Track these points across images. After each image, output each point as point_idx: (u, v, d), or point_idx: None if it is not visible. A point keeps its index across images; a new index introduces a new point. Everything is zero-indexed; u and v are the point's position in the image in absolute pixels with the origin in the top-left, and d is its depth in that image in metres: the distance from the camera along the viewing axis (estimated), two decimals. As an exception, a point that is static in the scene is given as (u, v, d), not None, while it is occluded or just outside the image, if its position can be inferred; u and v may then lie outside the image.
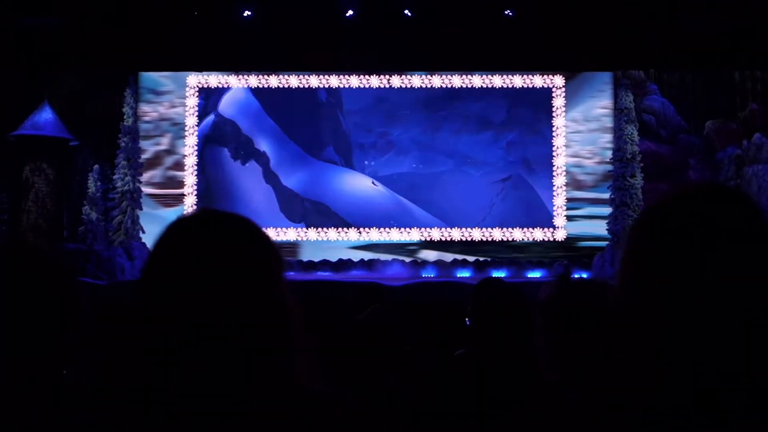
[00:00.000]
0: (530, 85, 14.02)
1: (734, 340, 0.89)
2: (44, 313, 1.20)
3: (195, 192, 13.90)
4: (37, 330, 1.19)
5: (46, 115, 13.14)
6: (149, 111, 14.10)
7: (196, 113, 14.04)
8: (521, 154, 14.02)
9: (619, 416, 0.94)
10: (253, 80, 13.98)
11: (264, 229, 1.15)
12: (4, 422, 1.13)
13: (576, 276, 12.10)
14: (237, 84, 14.01)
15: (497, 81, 13.96)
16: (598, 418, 0.97)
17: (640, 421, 0.92)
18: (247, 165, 14.03)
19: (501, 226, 13.86)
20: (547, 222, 13.86)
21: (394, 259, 13.82)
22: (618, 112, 13.78)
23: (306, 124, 14.03)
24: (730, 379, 0.89)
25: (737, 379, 0.89)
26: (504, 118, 14.08)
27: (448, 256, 13.86)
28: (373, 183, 13.96)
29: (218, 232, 1.07)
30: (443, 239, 13.83)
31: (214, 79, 14.00)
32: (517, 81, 13.99)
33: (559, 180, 13.92)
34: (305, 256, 13.74)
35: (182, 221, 1.10)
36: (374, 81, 13.97)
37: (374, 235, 13.81)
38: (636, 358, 0.93)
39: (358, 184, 14.00)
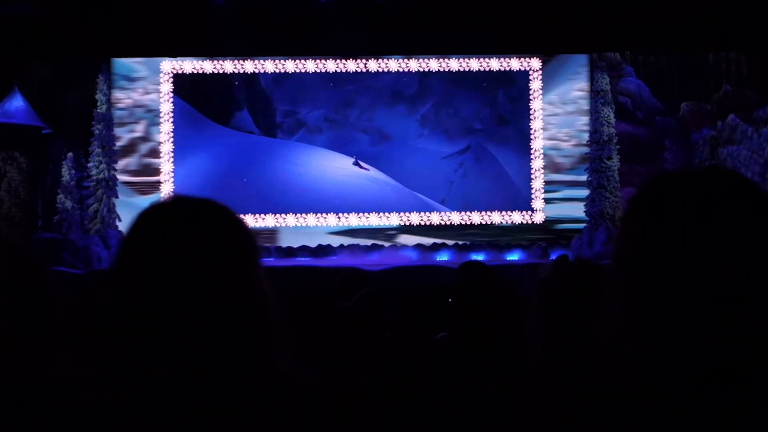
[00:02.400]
0: (507, 68, 14.02)
1: (732, 322, 0.88)
2: (17, 307, 1.17)
3: (172, 179, 13.77)
4: (11, 325, 1.16)
5: (17, 102, 12.92)
6: (123, 98, 13.91)
7: (171, 99, 13.87)
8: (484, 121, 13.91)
9: (607, 398, 0.93)
10: (228, 65, 13.84)
11: (241, 215, 1.13)
12: None
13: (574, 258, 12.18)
14: (212, 69, 13.86)
15: (474, 64, 13.95)
16: (586, 400, 0.96)
17: (628, 403, 0.92)
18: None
19: (468, 207, 13.75)
20: (517, 198, 13.80)
21: (373, 244, 13.83)
22: (594, 94, 13.85)
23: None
24: (726, 364, 0.88)
25: (733, 364, 0.88)
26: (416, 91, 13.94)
27: (428, 240, 13.90)
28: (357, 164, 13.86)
29: (192, 218, 1.05)
30: (422, 224, 13.85)
31: (188, 65, 13.83)
32: (494, 64, 13.98)
33: (537, 163, 13.98)
34: (284, 242, 13.70)
35: (155, 208, 1.08)
36: (351, 65, 13.89)
37: (353, 220, 13.80)
38: (628, 338, 0.92)
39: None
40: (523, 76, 13.97)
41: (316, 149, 13.93)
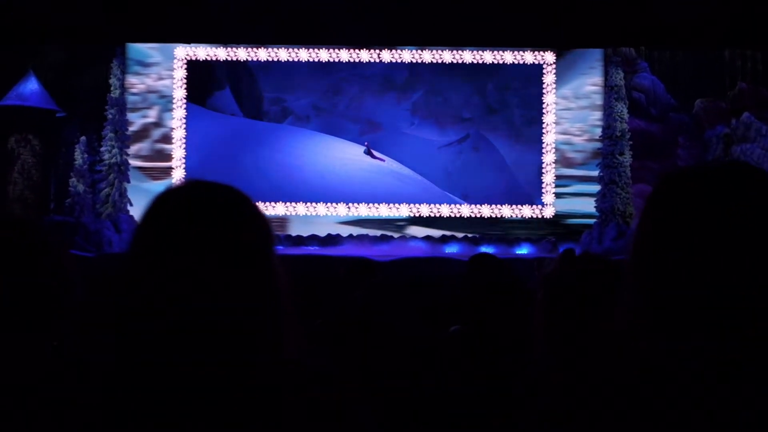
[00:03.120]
0: (521, 62, 13.94)
1: (752, 320, 0.86)
2: (37, 286, 1.18)
3: (183, 165, 13.80)
4: (30, 303, 1.17)
5: (31, 85, 12.98)
6: (136, 83, 13.94)
7: (184, 86, 13.88)
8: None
9: (614, 394, 0.93)
10: (242, 53, 13.84)
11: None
12: None
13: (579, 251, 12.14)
14: (225, 56, 13.86)
15: (488, 57, 13.88)
16: (589, 398, 0.96)
17: (636, 400, 0.91)
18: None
19: (469, 199, 13.70)
20: (516, 188, 13.73)
21: (382, 235, 13.83)
22: (608, 89, 13.76)
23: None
24: (744, 364, 0.87)
25: (751, 364, 0.87)
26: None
27: (437, 233, 13.88)
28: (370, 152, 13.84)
29: (207, 202, 1.05)
30: (432, 215, 13.83)
31: (202, 51, 13.84)
32: (508, 57, 13.91)
33: (549, 157, 13.92)
34: (293, 230, 13.71)
35: (170, 192, 1.08)
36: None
37: (363, 210, 13.79)
38: (641, 334, 0.91)
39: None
40: (513, 67, 13.84)
41: (323, 136, 13.89)
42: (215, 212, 1.04)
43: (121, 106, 13.60)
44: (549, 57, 13.94)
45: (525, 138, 13.87)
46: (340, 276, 2.93)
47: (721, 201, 0.91)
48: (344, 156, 13.86)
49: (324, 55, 13.79)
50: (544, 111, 13.91)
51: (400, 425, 2.29)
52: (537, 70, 13.83)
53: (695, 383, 0.88)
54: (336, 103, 13.87)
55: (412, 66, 13.82)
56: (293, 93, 13.90)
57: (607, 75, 13.83)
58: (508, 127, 13.88)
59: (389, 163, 13.80)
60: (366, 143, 13.82)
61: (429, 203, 13.71)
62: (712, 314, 0.87)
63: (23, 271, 1.18)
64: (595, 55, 14.00)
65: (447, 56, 13.83)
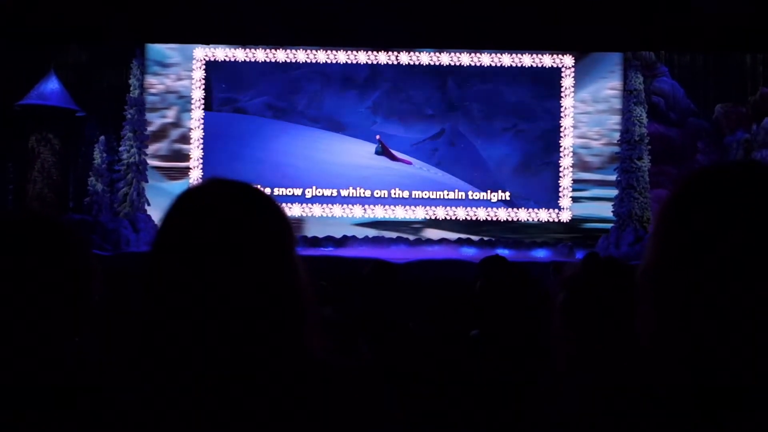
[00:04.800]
0: (539, 65, 13.90)
1: None
2: (61, 283, 1.19)
3: (201, 165, 13.88)
4: (54, 300, 1.18)
5: (52, 85, 13.11)
6: (155, 83, 14.05)
7: (202, 86, 13.97)
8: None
9: (634, 401, 0.91)
10: (260, 54, 13.90)
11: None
12: (18, 386, 1.13)
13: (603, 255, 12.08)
14: (244, 57, 13.93)
15: (506, 60, 13.85)
16: (607, 402, 0.95)
17: (656, 408, 0.89)
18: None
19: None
20: (492, 181, 13.72)
21: (398, 237, 13.83)
22: (627, 93, 13.68)
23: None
24: (761, 378, 0.83)
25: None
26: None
27: (452, 235, 13.86)
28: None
29: (229, 200, 1.06)
30: (447, 218, 13.82)
31: (221, 52, 13.92)
32: (526, 60, 13.87)
33: (566, 161, 13.86)
34: (309, 232, 13.75)
35: (192, 191, 1.08)
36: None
37: (379, 212, 13.80)
38: (662, 342, 0.89)
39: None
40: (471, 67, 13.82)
41: (338, 136, 13.92)
42: (238, 210, 1.04)
43: (140, 106, 13.70)
44: (568, 60, 13.88)
45: (486, 133, 13.84)
46: (362, 276, 2.92)
47: (748, 200, 0.87)
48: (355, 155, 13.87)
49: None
50: (561, 115, 13.86)
51: (419, 426, 2.29)
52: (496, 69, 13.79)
53: (724, 396, 0.86)
54: (294, 102, 13.88)
55: (373, 66, 13.81)
56: (246, 92, 13.90)
57: (626, 79, 13.75)
58: (469, 122, 13.86)
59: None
60: (378, 137, 13.83)
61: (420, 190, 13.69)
62: (742, 320, 0.84)
63: (47, 268, 1.19)
64: (614, 59, 13.92)
65: (424, 58, 13.81)
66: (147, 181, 13.68)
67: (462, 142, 13.86)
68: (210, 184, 1.09)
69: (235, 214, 1.04)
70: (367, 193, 13.76)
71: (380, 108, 13.89)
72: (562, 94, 13.87)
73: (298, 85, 13.87)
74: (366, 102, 13.87)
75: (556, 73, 13.87)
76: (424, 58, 13.80)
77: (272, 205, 1.08)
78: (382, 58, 13.80)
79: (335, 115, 13.88)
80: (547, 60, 13.86)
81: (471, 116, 13.88)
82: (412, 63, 13.80)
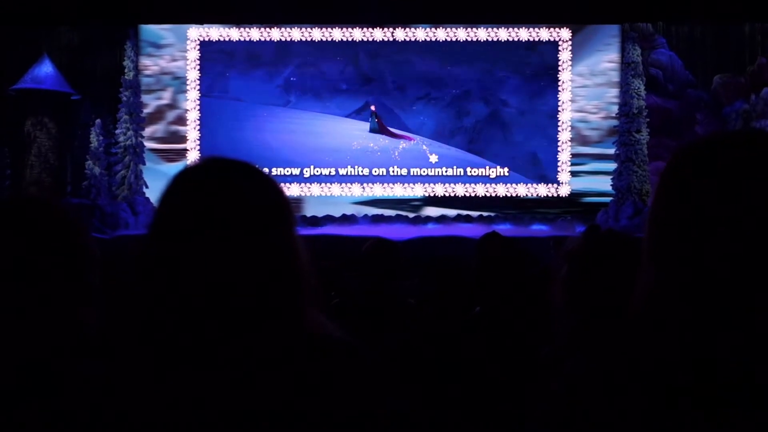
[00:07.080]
0: (536, 38, 13.80)
1: None
2: (60, 265, 1.19)
3: (198, 147, 13.83)
4: (54, 283, 1.18)
5: (46, 68, 13.01)
6: (150, 65, 13.95)
7: (197, 67, 13.87)
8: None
9: (633, 377, 0.90)
10: (255, 33, 13.79)
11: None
12: (22, 369, 1.13)
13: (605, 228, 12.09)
14: (238, 37, 13.82)
15: (503, 34, 13.75)
16: (611, 377, 0.94)
17: (653, 384, 0.88)
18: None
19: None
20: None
21: (397, 215, 13.83)
22: (625, 66, 13.60)
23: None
24: (761, 358, 0.82)
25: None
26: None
27: (452, 212, 13.86)
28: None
29: (227, 177, 1.05)
30: (446, 195, 13.80)
31: (215, 32, 13.80)
32: (523, 34, 13.77)
33: (564, 135, 13.81)
34: (308, 211, 13.74)
35: (189, 170, 1.08)
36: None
37: (378, 190, 13.78)
38: (660, 315, 0.87)
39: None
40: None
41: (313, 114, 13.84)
42: (235, 188, 1.04)
43: (135, 88, 13.62)
44: (565, 33, 13.78)
45: (399, 102, 13.76)
46: (361, 254, 2.91)
47: (746, 168, 0.85)
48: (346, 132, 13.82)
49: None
50: (559, 89, 13.78)
51: (420, 403, 2.29)
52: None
53: (720, 367, 0.84)
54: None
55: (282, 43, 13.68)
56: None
57: (623, 51, 13.66)
58: (384, 93, 13.78)
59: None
60: (372, 107, 13.76)
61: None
62: (741, 294, 0.83)
63: (47, 252, 1.18)
64: (611, 32, 13.82)
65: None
66: (144, 164, 13.64)
67: (387, 113, 13.79)
68: (207, 162, 1.08)
69: (233, 192, 1.04)
70: (366, 171, 13.74)
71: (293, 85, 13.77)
72: (560, 68, 13.77)
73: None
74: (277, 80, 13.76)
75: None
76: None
77: (269, 182, 1.08)
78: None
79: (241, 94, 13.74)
80: (544, 34, 13.76)
81: (385, 89, 13.82)
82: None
